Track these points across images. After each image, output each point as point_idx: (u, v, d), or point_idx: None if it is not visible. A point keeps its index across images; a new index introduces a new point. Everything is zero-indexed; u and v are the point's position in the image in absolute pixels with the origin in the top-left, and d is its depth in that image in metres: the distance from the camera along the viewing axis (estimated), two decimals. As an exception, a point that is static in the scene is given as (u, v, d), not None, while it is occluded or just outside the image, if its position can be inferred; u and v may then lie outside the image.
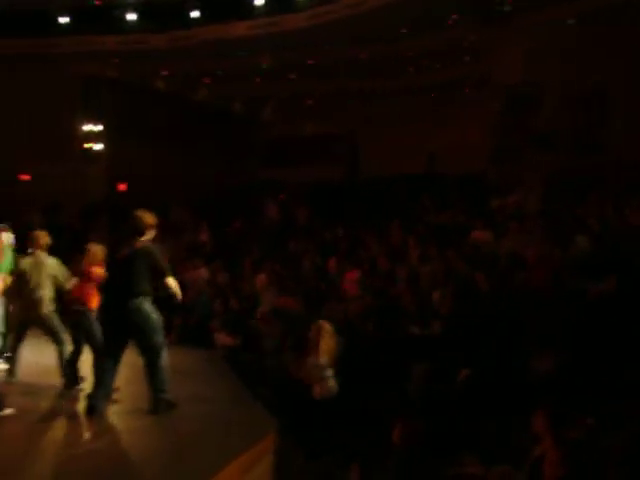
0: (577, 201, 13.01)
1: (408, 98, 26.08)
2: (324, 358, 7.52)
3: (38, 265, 7.91)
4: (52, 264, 7.97)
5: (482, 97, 21.53)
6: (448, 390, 7.37)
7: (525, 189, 14.51)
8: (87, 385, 7.43)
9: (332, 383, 7.50)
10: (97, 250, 7.80)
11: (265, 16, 19.43)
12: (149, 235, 6.89)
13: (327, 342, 7.58)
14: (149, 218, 6.89)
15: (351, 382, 7.61)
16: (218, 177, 24.60)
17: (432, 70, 23.96)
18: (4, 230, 8.58)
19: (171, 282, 6.90)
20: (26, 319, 8.11)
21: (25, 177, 21.91)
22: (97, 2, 19.44)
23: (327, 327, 7.70)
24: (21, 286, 8.03)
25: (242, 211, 18.56)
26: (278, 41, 19.91)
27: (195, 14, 19.78)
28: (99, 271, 7.61)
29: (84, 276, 7.75)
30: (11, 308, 8.38)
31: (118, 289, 6.76)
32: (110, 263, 6.95)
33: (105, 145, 22.80)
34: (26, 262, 7.99)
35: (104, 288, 6.99)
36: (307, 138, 28.28)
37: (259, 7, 19.45)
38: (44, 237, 8.09)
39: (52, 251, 8.21)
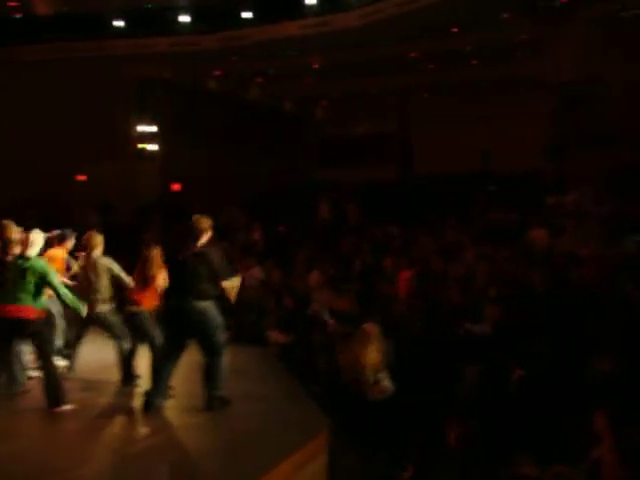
0: (635, 200, 12.74)
1: (462, 96, 25.86)
2: (373, 360, 7.49)
3: (93, 265, 8.05)
4: (107, 264, 8.10)
5: (537, 93, 21.21)
6: (502, 391, 7.28)
7: (582, 187, 14.26)
8: (144, 382, 7.53)
9: (386, 384, 7.47)
10: (157, 255, 7.89)
11: (316, 16, 19.46)
12: (205, 238, 6.97)
13: (375, 344, 7.55)
14: (205, 222, 6.98)
15: (403, 383, 7.57)
16: (271, 177, 24.72)
17: (486, 67, 23.68)
18: (70, 236, 8.74)
19: (226, 285, 6.99)
20: (85, 317, 8.27)
21: (81, 178, 22.32)
22: (149, 5, 19.71)
23: (374, 330, 7.67)
24: (78, 286, 8.21)
25: (295, 211, 18.63)
26: (329, 40, 19.92)
27: (247, 15, 19.91)
28: (161, 278, 7.71)
29: (145, 281, 7.86)
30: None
31: (179, 291, 6.83)
32: (170, 265, 7.01)
33: (159, 145, 23.11)
34: (82, 263, 8.15)
35: (168, 287, 7.08)
36: (360, 137, 28.24)
37: (310, 7, 19.48)
38: (99, 238, 8.24)
39: (106, 251, 8.36)
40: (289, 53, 21.79)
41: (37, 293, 6.79)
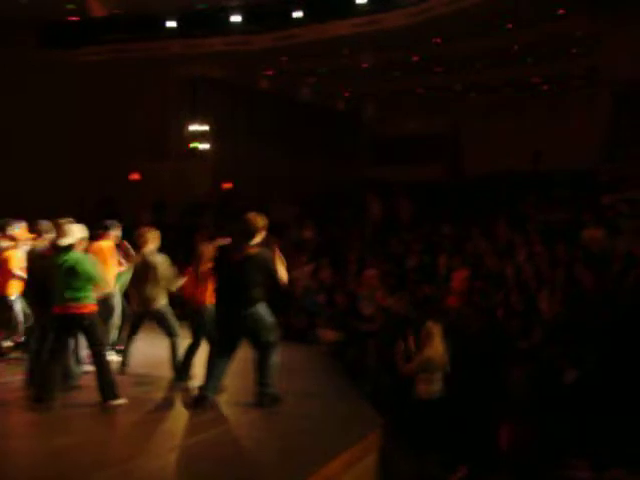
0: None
1: (513, 94, 25.56)
2: (433, 359, 7.45)
3: (147, 263, 8.16)
4: (160, 261, 8.20)
5: (592, 91, 20.84)
6: (555, 392, 7.18)
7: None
8: (197, 377, 7.60)
9: (439, 385, 7.43)
10: (208, 249, 7.95)
11: (366, 14, 19.42)
12: (260, 238, 6.98)
13: (436, 343, 7.50)
14: (260, 220, 6.95)
15: (457, 383, 7.51)
16: (323, 175, 24.75)
17: (539, 65, 23.33)
18: (114, 228, 8.89)
19: (282, 285, 7.03)
20: (139, 313, 8.41)
21: (135, 176, 22.66)
22: (201, 6, 19.89)
23: (436, 329, 7.62)
24: (133, 283, 8.35)
25: (347, 209, 18.63)
26: (379, 39, 19.86)
27: (298, 14, 19.98)
28: (208, 268, 7.76)
29: (197, 275, 7.94)
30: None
31: (233, 292, 6.84)
32: (224, 265, 7.03)
33: (211, 145, 23.33)
34: (136, 260, 8.26)
35: (219, 290, 7.09)
36: (411, 136, 28.09)
37: (360, 5, 19.45)
38: (153, 234, 8.34)
39: (159, 249, 8.46)
40: (341, 52, 21.77)
41: (82, 288, 6.84)
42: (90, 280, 6.88)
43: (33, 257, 8.57)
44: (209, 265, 7.59)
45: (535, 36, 20.02)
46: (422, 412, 7.19)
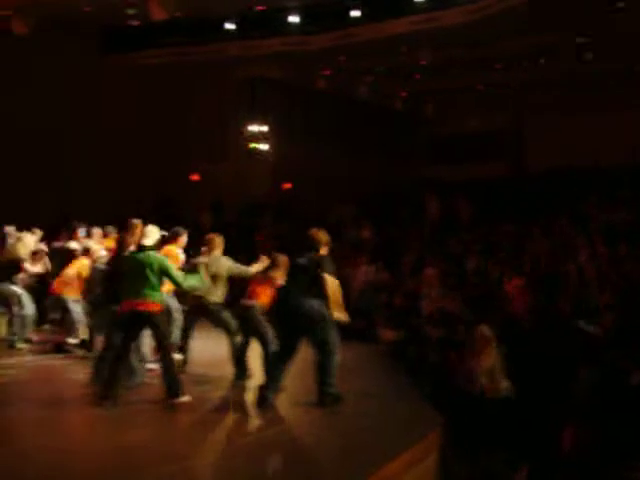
0: None
1: (575, 89, 25.06)
2: (489, 362, 7.38)
3: (218, 265, 8.29)
4: (222, 262, 8.31)
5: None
6: (620, 393, 7.04)
7: None
8: (257, 376, 7.67)
9: (505, 383, 7.35)
10: (285, 261, 7.99)
11: (424, 12, 19.27)
12: (323, 252, 7.08)
13: (491, 347, 7.43)
14: (323, 236, 7.09)
15: (518, 384, 7.43)
16: (380, 175, 24.68)
17: (601, 59, 22.80)
18: (182, 234, 9.03)
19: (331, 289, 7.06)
20: (194, 312, 8.53)
21: (195, 177, 22.94)
22: (259, 8, 19.98)
23: (489, 332, 7.55)
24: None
25: (405, 209, 18.55)
26: (437, 37, 19.70)
27: (355, 13, 19.95)
28: (280, 280, 7.85)
29: (266, 280, 8.02)
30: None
31: (294, 293, 6.95)
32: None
33: (270, 145, 23.48)
34: (202, 262, 8.40)
35: (281, 291, 7.19)
36: (471, 134, 27.81)
37: (418, 3, 19.32)
38: (219, 240, 8.46)
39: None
40: (398, 50, 21.66)
41: (156, 286, 7.00)
42: (161, 279, 7.03)
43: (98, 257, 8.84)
44: (282, 272, 7.70)
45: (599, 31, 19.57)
46: (487, 410, 7.12)
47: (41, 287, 10.72)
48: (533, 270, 10.86)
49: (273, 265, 8.02)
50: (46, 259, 10.35)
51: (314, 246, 7.03)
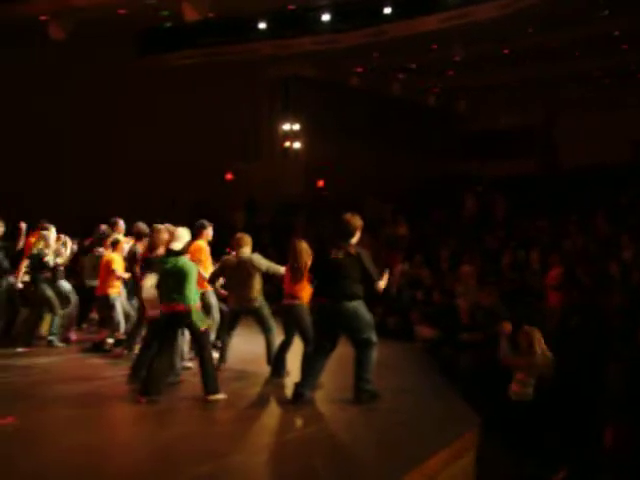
0: None
1: (609, 83, 24.73)
2: (536, 366, 7.33)
3: (242, 263, 8.35)
4: (258, 261, 8.36)
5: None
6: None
7: None
8: (294, 374, 7.71)
9: (531, 388, 7.30)
10: (304, 247, 8.06)
11: (456, 8, 19.15)
12: (357, 237, 7.04)
13: (539, 349, 7.38)
14: (357, 220, 7.04)
15: (556, 382, 7.37)
16: (415, 171, 24.60)
17: (637, 52, 22.47)
18: (207, 227, 9.11)
19: (380, 286, 7.06)
20: (236, 311, 8.60)
21: (229, 177, 23.07)
22: (291, 7, 20.02)
23: (537, 334, 7.49)
24: (230, 282, 8.57)
25: (440, 204, 18.48)
26: (469, 32, 19.57)
27: (387, 10, 19.91)
28: (304, 265, 7.87)
29: (297, 274, 8.05)
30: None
31: (331, 290, 6.91)
32: (323, 263, 7.09)
33: (303, 143, 23.52)
34: (232, 261, 8.46)
35: (318, 287, 7.17)
36: (503, 129, 27.62)
37: (450, -1, 19.22)
38: (247, 238, 8.52)
39: (254, 248, 8.66)
40: (430, 47, 21.57)
41: (188, 289, 7.02)
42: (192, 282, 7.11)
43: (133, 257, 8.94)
44: (306, 262, 7.72)
45: (632, 22, 19.29)
46: (515, 413, 7.09)
47: (79, 286, 10.87)
48: (568, 266, 10.74)
49: (296, 256, 8.02)
50: (66, 249, 10.36)
51: (349, 231, 6.97)
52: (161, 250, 7.89)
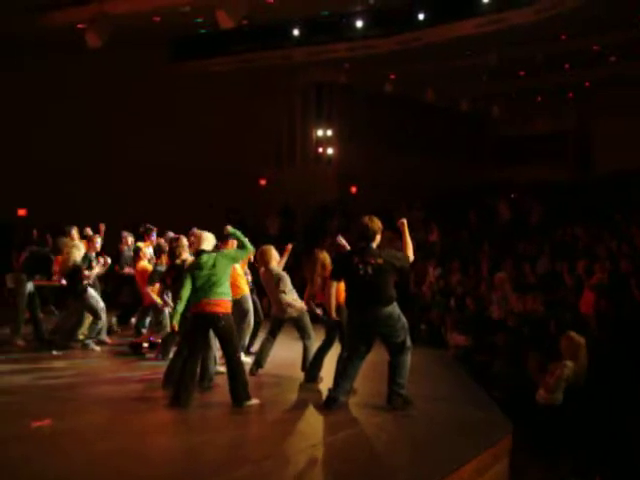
0: None
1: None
2: (575, 372, 7.27)
3: (270, 276, 8.50)
4: (278, 275, 8.47)
5: None
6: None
7: None
8: (328, 379, 7.71)
9: (561, 394, 7.23)
10: (321, 254, 8.17)
11: (492, 13, 19.06)
12: (379, 239, 7.02)
13: (582, 356, 7.33)
14: (376, 224, 6.99)
15: (592, 389, 7.30)
16: (448, 177, 24.52)
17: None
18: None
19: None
20: (277, 319, 8.66)
21: (263, 182, 23.18)
22: (325, 13, 20.08)
23: (581, 340, 7.43)
24: (266, 292, 8.69)
25: (473, 211, 18.39)
26: (505, 38, 19.46)
27: (421, 16, 19.87)
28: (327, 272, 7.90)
29: (312, 280, 8.14)
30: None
31: (367, 294, 6.89)
32: (355, 268, 6.96)
33: (336, 149, 23.56)
34: (263, 273, 8.61)
35: (351, 292, 7.16)
36: (537, 135, 27.40)
37: (485, 4, 19.12)
38: (272, 252, 8.61)
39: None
40: (465, 52, 21.47)
41: (222, 285, 7.08)
42: (227, 281, 7.16)
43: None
44: (320, 274, 7.76)
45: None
46: (555, 419, 7.03)
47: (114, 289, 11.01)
48: (608, 273, 10.61)
49: (314, 264, 8.13)
50: (104, 259, 10.48)
51: (369, 235, 6.92)
52: (184, 255, 8.01)
